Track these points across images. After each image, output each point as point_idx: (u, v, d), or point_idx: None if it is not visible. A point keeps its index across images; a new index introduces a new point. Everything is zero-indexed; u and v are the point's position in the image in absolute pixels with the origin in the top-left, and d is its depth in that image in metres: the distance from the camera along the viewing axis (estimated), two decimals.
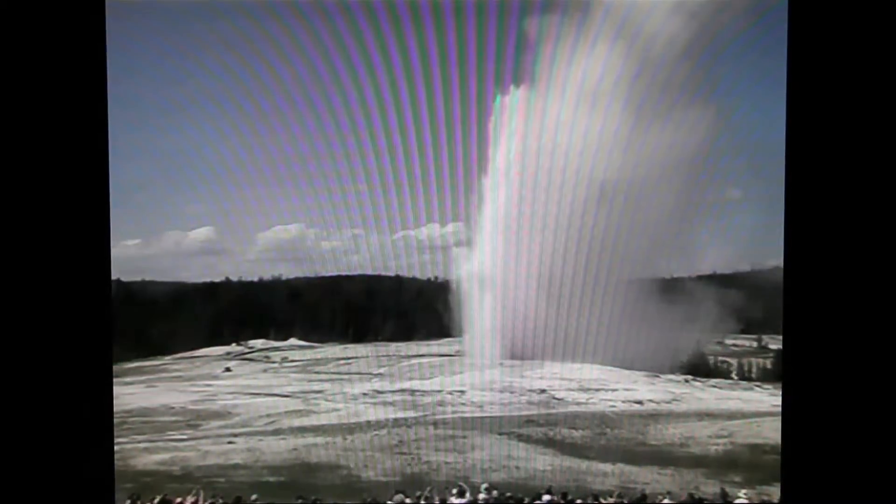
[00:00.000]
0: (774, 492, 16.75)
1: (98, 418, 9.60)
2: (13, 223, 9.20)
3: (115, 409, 29.63)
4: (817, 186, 9.42)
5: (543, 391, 32.09)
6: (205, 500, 14.69)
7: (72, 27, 9.40)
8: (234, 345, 54.98)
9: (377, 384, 36.28)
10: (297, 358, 50.37)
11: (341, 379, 39.86)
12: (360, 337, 55.56)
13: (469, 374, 36.47)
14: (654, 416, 27.69)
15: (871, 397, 9.34)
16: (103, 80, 9.62)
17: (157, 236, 64.87)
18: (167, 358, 50.95)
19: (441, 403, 30.60)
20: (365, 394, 33.48)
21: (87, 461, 9.55)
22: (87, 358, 9.51)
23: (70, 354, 9.37)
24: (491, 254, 41.65)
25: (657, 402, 30.65)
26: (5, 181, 9.23)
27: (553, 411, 28.98)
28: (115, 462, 21.22)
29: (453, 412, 28.93)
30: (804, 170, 9.42)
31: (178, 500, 14.85)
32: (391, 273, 55.51)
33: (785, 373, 9.66)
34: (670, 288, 41.14)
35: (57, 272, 9.28)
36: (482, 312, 42.62)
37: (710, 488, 17.25)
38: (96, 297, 9.46)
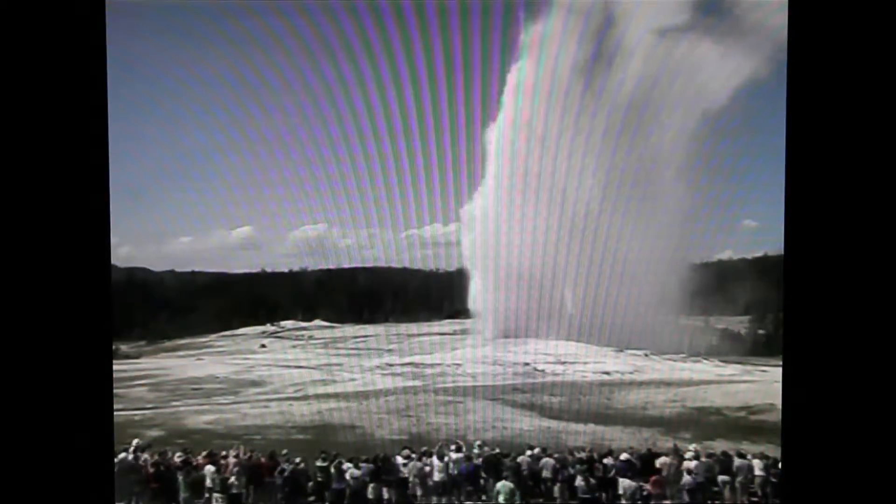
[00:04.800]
0: (717, 445, 16.86)
1: (98, 417, 8.52)
2: (12, 224, 8.21)
3: (170, 377, 29.70)
4: (817, 182, 8.37)
5: (527, 364, 32.15)
6: (244, 454, 14.72)
7: (72, 26, 8.17)
8: (268, 325, 55.08)
9: (388, 358, 36.35)
10: (320, 336, 50.44)
11: (358, 354, 39.95)
12: (373, 319, 55.61)
13: (465, 350, 36.53)
14: (619, 385, 27.75)
15: (873, 390, 8.33)
16: (103, 79, 8.37)
17: (206, 234, 64.90)
18: (213, 335, 51.05)
19: (441, 374, 30.66)
20: (378, 366, 33.54)
21: (87, 459, 8.45)
22: (86, 356, 8.40)
23: (70, 353, 8.33)
24: (483, 249, 41.63)
25: (622, 373, 30.73)
26: (4, 182, 8.19)
27: (535, 381, 29.03)
28: (172, 421, 21.36)
29: (452, 382, 28.99)
30: (804, 165, 8.38)
31: (223, 453, 14.90)
32: (400, 265, 55.60)
33: (785, 368, 8.61)
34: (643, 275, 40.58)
35: (57, 273, 8.28)
36: (476, 298, 42.68)
37: (665, 444, 17.30)
38: (97, 297, 8.41)
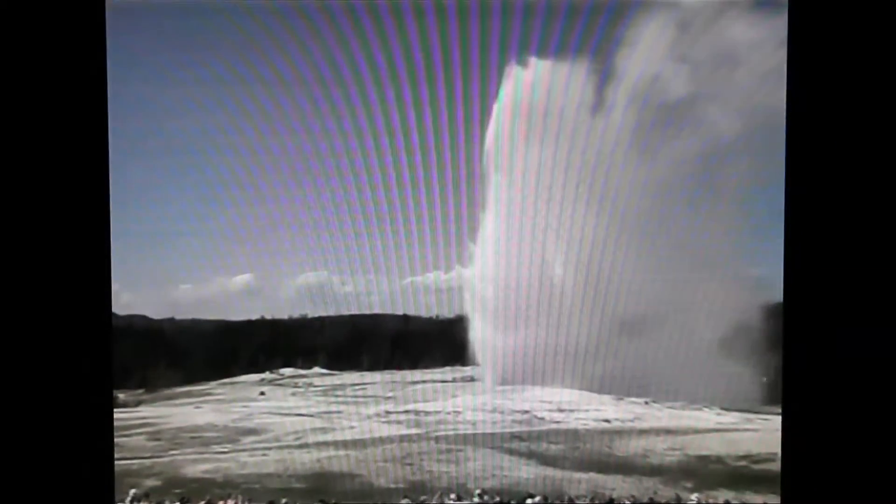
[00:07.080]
0: (719, 495, 16.60)
1: (98, 427, 8.56)
2: (12, 227, 8.23)
3: (168, 426, 29.40)
4: (817, 191, 8.39)
5: (527, 412, 31.83)
6: (242, 503, 14.50)
7: (72, 26, 8.19)
8: (267, 372, 54.63)
9: (387, 406, 36.01)
10: (320, 384, 50.01)
11: (358, 401, 39.56)
12: (373, 366, 55.18)
13: (465, 397, 36.20)
14: (619, 433, 27.45)
15: (872, 415, 8.35)
16: (103, 81, 8.40)
17: (207, 281, 64.84)
18: (212, 383, 50.63)
19: (441, 422, 30.34)
20: (377, 414, 33.21)
21: (88, 468, 8.53)
22: (87, 406, 8.50)
23: (70, 402, 8.38)
24: (482, 296, 41.49)
25: (622, 421, 30.40)
26: (4, 184, 8.20)
27: (535, 428, 28.72)
28: (170, 470, 21.06)
29: (452, 429, 28.69)
30: (804, 173, 8.43)
31: (221, 502, 14.68)
32: (400, 312, 55.23)
33: (785, 387, 8.67)
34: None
35: (57, 280, 8.28)
36: (476, 345, 42.40)
37: (666, 493, 17.06)
38: (97, 305, 8.45)
